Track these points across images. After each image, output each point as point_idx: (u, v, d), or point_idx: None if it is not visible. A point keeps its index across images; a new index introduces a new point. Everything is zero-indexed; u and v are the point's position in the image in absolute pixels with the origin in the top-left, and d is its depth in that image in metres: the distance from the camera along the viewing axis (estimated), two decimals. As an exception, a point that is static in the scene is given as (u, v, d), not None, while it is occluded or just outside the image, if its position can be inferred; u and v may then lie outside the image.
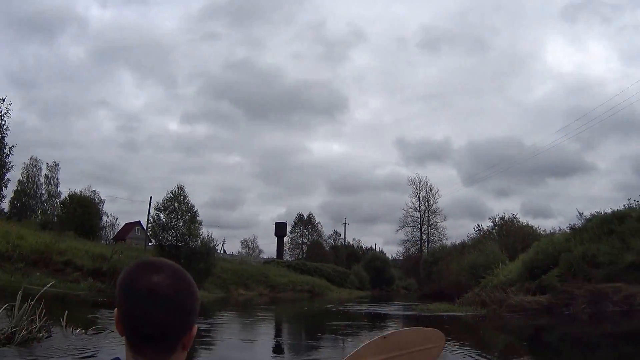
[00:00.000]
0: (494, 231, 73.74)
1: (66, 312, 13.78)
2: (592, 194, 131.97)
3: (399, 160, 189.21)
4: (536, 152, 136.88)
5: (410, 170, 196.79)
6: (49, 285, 19.97)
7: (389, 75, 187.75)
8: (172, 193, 68.03)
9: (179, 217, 66.73)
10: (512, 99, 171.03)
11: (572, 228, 41.10)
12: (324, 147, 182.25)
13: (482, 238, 72.06)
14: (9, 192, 75.85)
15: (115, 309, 2.02)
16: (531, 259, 39.00)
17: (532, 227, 72.02)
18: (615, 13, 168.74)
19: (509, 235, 68.58)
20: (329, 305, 55.98)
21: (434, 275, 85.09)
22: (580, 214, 43.33)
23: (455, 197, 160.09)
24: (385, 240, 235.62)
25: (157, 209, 67.86)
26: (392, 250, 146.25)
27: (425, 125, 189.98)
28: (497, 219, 76.12)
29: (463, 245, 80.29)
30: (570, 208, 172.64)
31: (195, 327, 2.09)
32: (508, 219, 74.91)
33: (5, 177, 67.23)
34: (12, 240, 44.66)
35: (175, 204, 67.47)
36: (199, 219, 68.66)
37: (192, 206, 68.70)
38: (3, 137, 62.94)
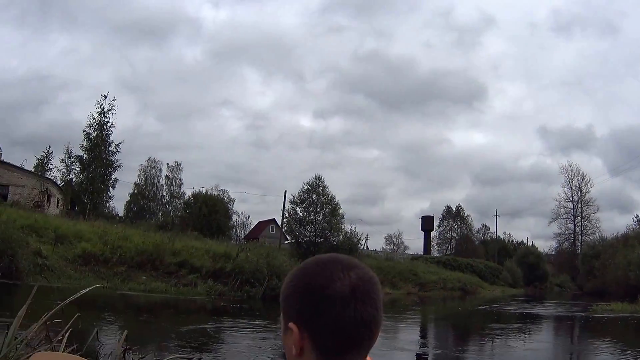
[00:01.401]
0: None
1: (125, 332, 9.24)
2: None
3: (542, 150, 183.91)
4: None
5: (554, 160, 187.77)
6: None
7: (524, 61, 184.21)
8: (309, 184, 64.45)
9: (318, 210, 63.14)
10: None
11: None
12: (465, 137, 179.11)
13: None
14: (124, 195, 75.81)
15: (292, 323, 1.76)
16: None
17: None
18: None
19: None
20: (485, 305, 52.01)
21: (595, 271, 79.07)
22: None
23: (601, 189, 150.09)
24: (533, 234, 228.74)
25: (292, 202, 64.49)
26: (542, 245, 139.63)
27: (566, 113, 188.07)
28: None
29: (626, 237, 74.02)
30: None
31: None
32: None
33: (112, 177, 65.56)
34: (111, 241, 40.41)
35: (314, 196, 64.04)
36: (340, 211, 64.88)
37: (333, 198, 65.08)
38: (107, 135, 61.08)
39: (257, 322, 28.39)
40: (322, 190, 64.69)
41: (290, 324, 1.77)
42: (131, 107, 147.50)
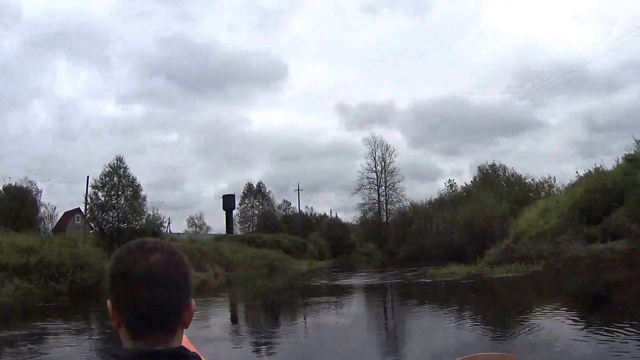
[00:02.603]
0: (486, 180, 65.73)
1: None
2: (544, 151, 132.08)
3: (341, 125, 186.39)
4: (483, 111, 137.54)
5: (353, 135, 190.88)
6: None
7: (327, 41, 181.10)
8: (110, 166, 59.23)
9: (120, 193, 58.28)
10: (456, 59, 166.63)
11: (629, 159, 33.01)
12: (264, 116, 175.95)
13: (470, 189, 65.50)
14: None
15: (108, 300, 1.97)
16: (582, 199, 32.17)
17: (520, 175, 66.22)
18: None
19: (504, 184, 62.77)
20: (296, 281, 51.58)
21: (409, 237, 79.01)
22: (637, 142, 35.00)
23: (403, 160, 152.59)
24: (336, 207, 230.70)
25: (94, 186, 58.99)
26: (346, 217, 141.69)
27: (366, 89, 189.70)
28: (485, 168, 68.93)
29: (441, 201, 74.12)
30: (522, 164, 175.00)
31: (193, 301, 2.06)
32: (499, 166, 68.23)
33: None
34: None
35: (115, 178, 58.81)
36: (142, 193, 60.45)
37: (134, 179, 60.23)
38: None
39: (68, 323, 24.55)
40: (123, 172, 59.66)
41: (108, 302, 1.95)
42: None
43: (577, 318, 17.13)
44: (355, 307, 29.07)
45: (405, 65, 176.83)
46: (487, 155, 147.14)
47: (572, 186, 39.07)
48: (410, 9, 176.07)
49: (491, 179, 66.36)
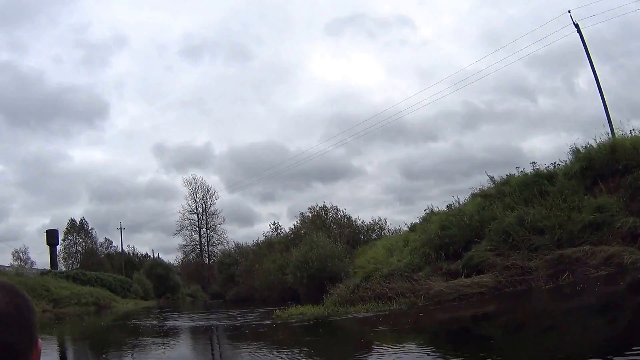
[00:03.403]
0: (316, 221, 66.30)
1: None
2: (362, 196, 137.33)
3: (159, 166, 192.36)
4: (301, 158, 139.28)
5: (171, 177, 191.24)
6: None
7: (149, 81, 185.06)
8: None
9: (-58, 220, 55.83)
10: (275, 106, 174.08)
11: (483, 195, 34.22)
12: (85, 154, 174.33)
13: (301, 230, 65.86)
14: None
15: None
16: (437, 236, 32.31)
17: (350, 217, 67.44)
18: (381, 29, 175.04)
19: (337, 225, 63.57)
20: (123, 320, 48.85)
21: (237, 278, 79.20)
22: (491, 178, 36.69)
23: (221, 202, 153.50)
24: (155, 247, 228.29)
25: None
26: (168, 258, 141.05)
27: (184, 131, 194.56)
28: (317, 208, 69.70)
29: (270, 242, 74.31)
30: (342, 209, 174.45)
31: (40, 341, 2.06)
32: (331, 207, 69.10)
33: None
34: None
35: None
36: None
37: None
38: None
39: None
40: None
41: None
42: None
43: (446, 354, 16.56)
44: (190, 349, 28.30)
45: (224, 109, 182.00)
46: (305, 200, 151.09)
47: (421, 224, 39.65)
48: (230, 55, 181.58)
49: (322, 219, 66.97)
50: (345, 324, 28.75)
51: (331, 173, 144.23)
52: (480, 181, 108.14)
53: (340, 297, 34.24)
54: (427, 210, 41.94)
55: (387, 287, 31.54)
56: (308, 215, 70.65)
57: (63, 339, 34.67)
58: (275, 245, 71.01)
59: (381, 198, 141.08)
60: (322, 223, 65.04)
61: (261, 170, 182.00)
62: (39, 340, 2.04)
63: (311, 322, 30.17)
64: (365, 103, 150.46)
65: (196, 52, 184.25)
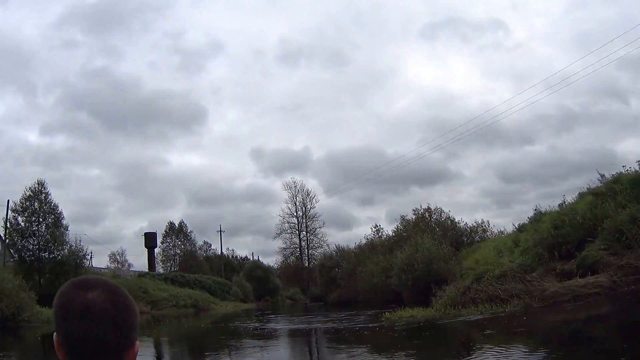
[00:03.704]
0: (420, 223, 64.00)
1: None
2: (459, 200, 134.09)
3: (257, 171, 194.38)
4: (400, 162, 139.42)
5: (269, 182, 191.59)
6: None
7: (246, 87, 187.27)
8: (30, 190, 55.82)
9: (41, 220, 54.81)
10: (372, 111, 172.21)
11: (594, 193, 31.84)
12: (183, 159, 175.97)
13: (404, 232, 63.60)
14: None
15: (54, 333, 2.03)
16: (549, 235, 30.49)
17: (454, 218, 65.07)
18: (475, 33, 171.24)
19: (441, 227, 61.22)
20: (224, 322, 47.84)
21: (339, 281, 78.01)
22: (602, 176, 34.77)
23: (319, 206, 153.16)
24: (254, 251, 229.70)
25: (14, 210, 55.38)
26: (266, 261, 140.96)
27: (283, 136, 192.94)
28: (421, 210, 67.37)
29: (372, 245, 72.18)
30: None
31: (137, 343, 2.11)
32: (435, 209, 66.70)
33: None
34: None
35: (36, 204, 55.38)
36: (64, 222, 57.09)
37: (56, 206, 56.88)
38: None
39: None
40: (45, 198, 56.40)
41: (54, 335, 2.03)
42: None
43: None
44: (289, 352, 27.05)
45: (321, 114, 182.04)
46: (403, 204, 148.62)
47: (531, 224, 37.59)
48: (327, 60, 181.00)
49: (425, 221, 64.92)
50: (456, 326, 27.01)
51: (428, 177, 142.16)
52: (576, 184, 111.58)
53: (451, 299, 32.61)
54: (536, 211, 40.90)
55: (499, 289, 29.87)
56: (410, 218, 68.82)
57: (160, 341, 34.11)
58: (378, 247, 69.19)
59: (478, 201, 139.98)
60: (425, 225, 62.86)
61: (359, 175, 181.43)
62: (137, 342, 2.06)
63: (420, 325, 28.39)
64: (461, 107, 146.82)
65: (293, 58, 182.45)
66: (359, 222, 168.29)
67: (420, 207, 68.28)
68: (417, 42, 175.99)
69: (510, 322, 23.51)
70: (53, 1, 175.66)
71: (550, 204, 41.01)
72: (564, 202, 36.24)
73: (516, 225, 43.52)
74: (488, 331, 22.66)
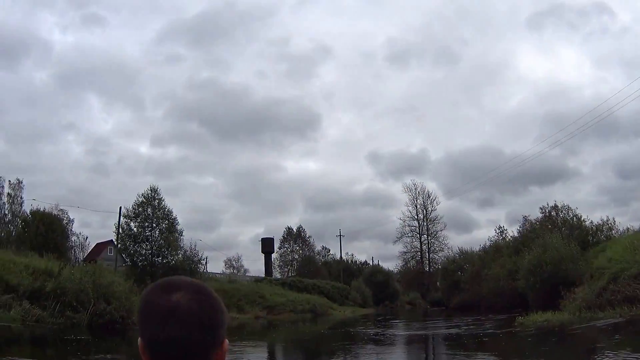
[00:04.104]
0: (547, 223, 61.26)
1: None
2: (578, 199, 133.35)
3: (375, 175, 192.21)
4: (518, 161, 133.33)
5: (387, 185, 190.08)
6: None
7: (358, 90, 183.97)
8: (143, 196, 55.66)
9: (154, 225, 54.33)
10: (486, 108, 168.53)
11: None
12: (298, 164, 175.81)
13: (532, 232, 60.94)
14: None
15: (139, 338, 2.02)
16: None
17: (580, 217, 61.83)
18: (581, 19, 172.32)
19: (567, 226, 58.37)
20: (348, 328, 45.83)
21: (463, 284, 75.73)
22: None
23: (439, 209, 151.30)
24: (374, 255, 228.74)
25: (126, 216, 55.04)
26: (385, 265, 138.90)
27: (399, 138, 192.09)
28: (548, 208, 64.50)
29: (497, 247, 69.80)
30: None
31: (226, 342, 2.08)
32: (562, 207, 63.61)
33: None
34: None
35: (149, 209, 55.10)
36: (179, 227, 56.50)
37: (170, 212, 56.49)
38: None
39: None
40: (158, 203, 56.35)
41: (139, 339, 2.00)
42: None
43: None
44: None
45: (436, 114, 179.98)
46: (522, 205, 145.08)
47: None
48: (437, 59, 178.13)
49: (552, 220, 62.23)
50: (590, 332, 24.27)
51: (547, 176, 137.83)
52: None
53: (585, 302, 30.29)
54: None
55: (638, 289, 27.05)
56: (534, 218, 66.38)
57: (274, 345, 34.17)
58: (503, 249, 67.18)
59: (596, 200, 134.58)
60: (552, 224, 60.30)
61: (478, 175, 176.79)
62: (225, 340, 2.04)
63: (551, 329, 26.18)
64: (575, 99, 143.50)
65: (402, 58, 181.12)
66: (478, 224, 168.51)
67: (547, 204, 65.52)
68: (524, 33, 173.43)
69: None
70: (151, 19, 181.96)
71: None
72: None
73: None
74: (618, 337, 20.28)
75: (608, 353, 17.65)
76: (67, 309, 31.86)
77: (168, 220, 56.30)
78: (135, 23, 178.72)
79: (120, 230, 56.51)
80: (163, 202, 57.04)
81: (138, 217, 55.44)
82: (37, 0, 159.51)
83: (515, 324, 31.70)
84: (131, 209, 55.89)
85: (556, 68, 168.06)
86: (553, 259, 43.28)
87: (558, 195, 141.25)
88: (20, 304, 30.12)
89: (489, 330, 32.07)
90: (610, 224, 59.48)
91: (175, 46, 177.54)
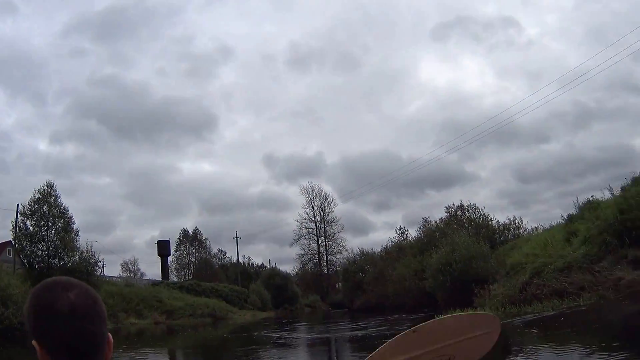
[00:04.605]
0: (452, 222, 62.20)
1: None
2: (477, 202, 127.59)
3: (270, 177, 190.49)
4: (415, 165, 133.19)
5: (282, 188, 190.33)
6: None
7: (257, 92, 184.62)
8: (39, 192, 53.33)
9: (50, 224, 52.20)
10: (386, 114, 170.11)
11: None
12: (194, 166, 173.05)
13: (437, 231, 61.26)
14: None
15: (34, 341, 2.01)
16: (615, 221, 28.50)
17: (487, 215, 62.73)
18: (487, 32, 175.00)
19: (474, 225, 59.54)
20: (261, 333, 44.40)
21: (365, 285, 75.84)
22: None
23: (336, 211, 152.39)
24: (271, 259, 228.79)
25: (23, 214, 52.67)
26: (283, 269, 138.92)
27: (295, 142, 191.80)
28: (453, 209, 65.10)
29: (400, 247, 70.54)
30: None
31: (110, 335, 2.15)
32: (469, 206, 64.28)
33: None
34: None
35: (45, 207, 52.91)
36: (75, 227, 54.46)
37: (66, 210, 54.43)
38: None
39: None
40: (54, 200, 54.02)
41: (33, 342, 2.01)
42: None
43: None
44: None
45: (334, 119, 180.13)
46: (419, 208, 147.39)
47: (582, 213, 34.94)
48: (338, 64, 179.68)
49: (458, 219, 63.03)
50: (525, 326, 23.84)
51: (445, 180, 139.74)
52: (594, 181, 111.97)
53: (507, 297, 30.35)
54: (590, 199, 38.03)
55: (565, 282, 27.48)
56: (439, 219, 67.93)
57: (176, 353, 33.22)
58: (407, 249, 67.88)
59: (495, 203, 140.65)
60: (458, 223, 61.18)
61: (374, 179, 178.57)
62: (110, 335, 2.13)
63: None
64: (476, 107, 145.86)
65: (303, 62, 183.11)
66: (375, 227, 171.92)
67: (453, 204, 66.59)
68: (428, 43, 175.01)
69: (593, 317, 20.82)
70: (60, 10, 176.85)
71: (602, 195, 38.27)
72: (625, 186, 33.51)
73: (565, 216, 40.68)
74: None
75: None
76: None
77: (64, 219, 54.23)
78: (44, 13, 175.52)
79: (17, 229, 54.22)
80: (59, 200, 55.04)
81: (34, 214, 53.24)
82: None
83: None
84: (27, 205, 53.62)
85: (458, 77, 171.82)
86: (463, 257, 43.36)
87: (456, 198, 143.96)
88: None
89: (404, 329, 31.09)
90: (518, 223, 60.92)
91: (81, 40, 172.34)
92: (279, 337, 37.67)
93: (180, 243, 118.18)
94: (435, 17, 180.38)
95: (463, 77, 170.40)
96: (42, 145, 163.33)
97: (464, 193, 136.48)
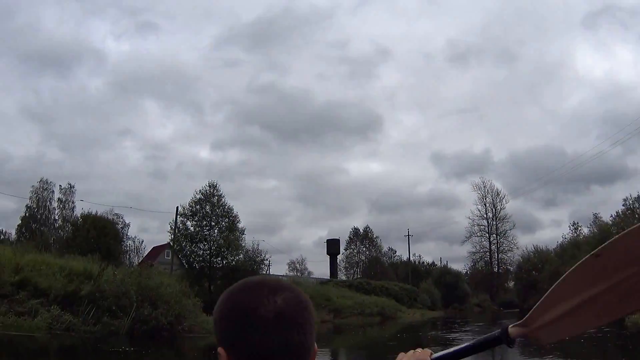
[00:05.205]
0: (629, 215, 58.75)
1: None
2: None
3: (438, 176, 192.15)
4: (579, 160, 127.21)
5: (451, 186, 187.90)
6: None
7: (419, 91, 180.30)
8: (201, 193, 53.25)
9: (213, 224, 51.76)
10: (547, 108, 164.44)
11: None
12: (361, 166, 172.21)
13: (614, 226, 57.64)
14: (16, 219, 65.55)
15: (221, 348, 1.74)
16: None
17: None
18: (634, 19, 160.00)
19: None
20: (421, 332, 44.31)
21: (540, 284, 71.22)
22: None
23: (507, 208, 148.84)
24: (438, 257, 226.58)
25: (182, 215, 52.64)
26: (453, 267, 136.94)
27: (461, 139, 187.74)
28: (631, 200, 61.93)
29: (576, 244, 67.36)
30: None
31: (315, 345, 1.85)
32: None
33: None
34: None
35: (207, 207, 52.63)
36: (240, 225, 53.80)
37: (231, 209, 54.06)
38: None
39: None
40: (218, 200, 53.86)
41: (219, 349, 1.75)
42: (35, 137, 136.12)
43: None
44: None
45: (498, 114, 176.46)
46: (584, 205, 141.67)
47: None
48: (497, 59, 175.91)
49: (634, 212, 59.35)
50: None
51: (608, 175, 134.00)
52: None
53: None
54: None
55: None
56: (615, 212, 64.09)
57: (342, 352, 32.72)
58: (583, 246, 63.32)
59: None
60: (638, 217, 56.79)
61: (541, 175, 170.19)
62: (315, 345, 1.80)
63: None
64: (634, 97, 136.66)
65: (463, 58, 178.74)
66: (541, 224, 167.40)
67: (630, 196, 62.36)
68: (580, 33, 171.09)
69: None
70: (205, 26, 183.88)
71: None
72: None
73: None
74: None
75: None
76: (104, 314, 29.23)
77: (228, 218, 53.81)
78: (189, 30, 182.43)
79: (176, 230, 54.21)
80: (223, 199, 54.73)
81: (195, 215, 53.07)
82: (87, 9, 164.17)
83: (628, 323, 28.52)
84: (188, 207, 53.58)
85: (613, 67, 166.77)
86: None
87: (620, 194, 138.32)
88: (48, 309, 27.36)
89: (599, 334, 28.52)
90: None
91: (234, 51, 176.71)
92: (454, 339, 35.16)
93: (350, 241, 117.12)
94: (584, 6, 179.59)
95: (618, 67, 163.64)
96: (204, 153, 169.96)
97: (627, 189, 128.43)
